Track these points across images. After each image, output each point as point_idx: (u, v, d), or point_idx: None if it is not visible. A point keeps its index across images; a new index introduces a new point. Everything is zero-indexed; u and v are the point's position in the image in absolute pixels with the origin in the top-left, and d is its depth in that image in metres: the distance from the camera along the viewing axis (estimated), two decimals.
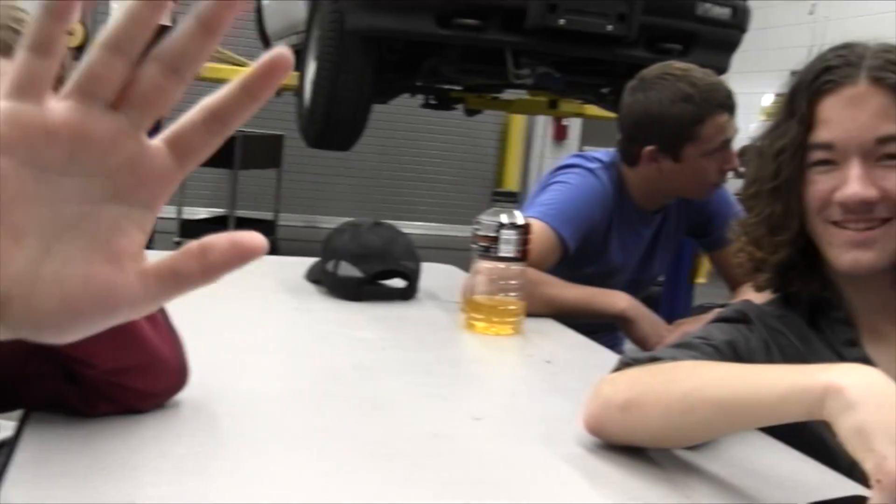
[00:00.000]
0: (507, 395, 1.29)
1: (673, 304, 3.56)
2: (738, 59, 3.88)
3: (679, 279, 4.09)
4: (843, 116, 1.06)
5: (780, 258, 1.14)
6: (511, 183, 7.94)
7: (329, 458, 0.93)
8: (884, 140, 1.05)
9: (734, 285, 1.94)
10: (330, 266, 1.75)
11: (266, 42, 5.63)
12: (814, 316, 1.15)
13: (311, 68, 3.94)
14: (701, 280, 4.49)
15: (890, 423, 0.77)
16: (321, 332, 1.52)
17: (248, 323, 1.52)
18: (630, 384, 1.00)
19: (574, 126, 8.07)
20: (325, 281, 1.77)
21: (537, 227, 1.76)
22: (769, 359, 1.10)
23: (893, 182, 1.05)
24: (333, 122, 3.83)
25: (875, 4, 5.51)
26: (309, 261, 1.88)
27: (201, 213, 6.67)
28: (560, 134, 8.19)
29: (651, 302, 1.94)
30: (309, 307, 1.66)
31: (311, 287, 1.80)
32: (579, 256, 1.85)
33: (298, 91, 4.17)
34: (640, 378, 1.00)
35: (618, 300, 1.76)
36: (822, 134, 1.07)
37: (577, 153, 2.03)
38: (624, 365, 1.05)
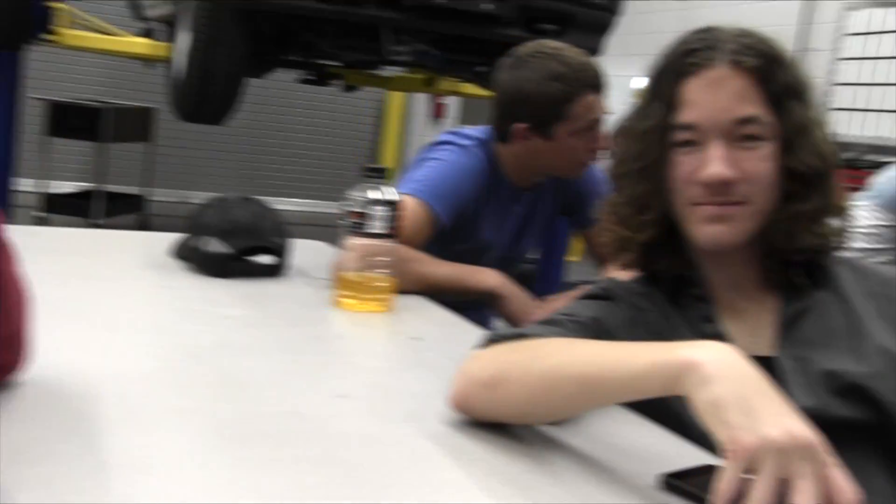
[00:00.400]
0: (374, 373, 1.27)
1: (547, 281, 3.62)
2: (613, 42, 3.95)
3: (553, 256, 4.16)
4: (704, 98, 1.09)
5: (646, 237, 1.17)
6: (389, 160, 7.92)
7: (185, 439, 0.90)
8: (742, 122, 1.08)
9: (603, 263, 1.97)
10: (197, 242, 1.70)
11: (137, 11, 5.43)
12: (675, 293, 1.18)
13: (184, 40, 3.82)
14: (575, 258, 4.58)
15: (742, 397, 0.80)
16: (185, 309, 1.47)
17: (108, 300, 1.46)
18: (495, 361, 1.01)
19: (453, 104, 8.10)
20: (192, 257, 1.72)
21: (411, 203, 1.75)
22: (632, 335, 1.12)
23: (751, 164, 1.08)
24: (206, 96, 3.72)
25: None
26: (176, 237, 1.82)
27: (67, 186, 6.41)
28: (439, 112, 8.21)
29: (525, 279, 1.96)
30: (173, 284, 1.61)
31: (176, 264, 1.74)
32: (451, 233, 1.85)
33: (170, 63, 4.03)
34: (506, 355, 1.01)
35: (488, 277, 1.77)
36: (685, 115, 1.10)
37: (451, 130, 2.03)
38: (490, 341, 1.05)
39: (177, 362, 1.17)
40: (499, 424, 1.00)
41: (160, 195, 6.71)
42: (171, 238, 1.81)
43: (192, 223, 1.75)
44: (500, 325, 1.85)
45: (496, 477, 0.90)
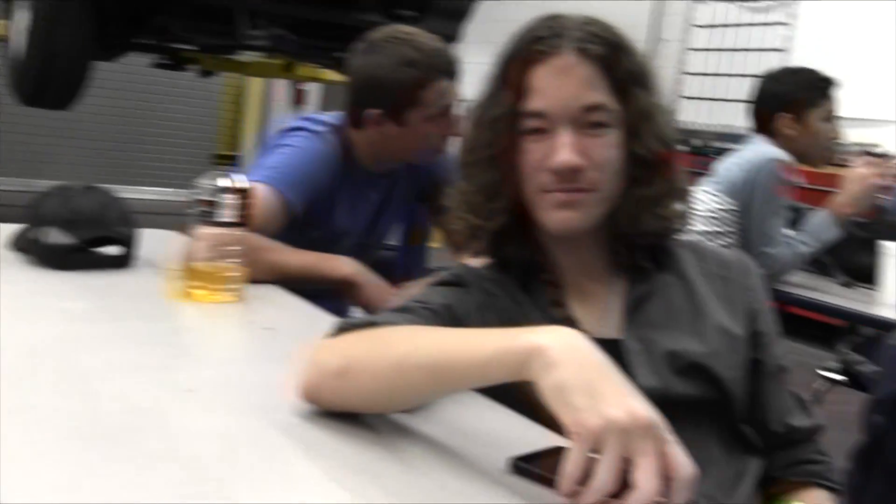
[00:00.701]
0: (223, 365, 1.24)
1: (408, 268, 3.61)
2: (472, 29, 3.98)
3: (414, 243, 4.15)
4: (552, 85, 1.10)
5: (496, 225, 1.17)
6: (248, 147, 7.76)
7: (22, 439, 0.85)
8: (589, 109, 1.09)
9: (458, 249, 1.98)
10: (37, 233, 1.62)
11: None
12: (526, 279, 1.19)
13: (24, 18, 3.63)
14: (437, 244, 4.60)
15: (586, 381, 0.81)
16: (23, 304, 1.39)
17: None
18: (345, 350, 0.99)
19: (314, 91, 8.00)
20: (32, 249, 1.63)
21: (263, 191, 1.72)
22: (484, 321, 1.13)
23: (598, 151, 1.10)
24: (48, 79, 3.55)
25: None
26: (12, 228, 1.72)
27: None
28: (299, 98, 8.10)
29: (384, 266, 1.95)
30: (9, 277, 1.52)
31: (14, 256, 1.65)
32: (304, 221, 1.82)
33: (7, 42, 3.83)
34: (356, 344, 1.00)
35: (342, 265, 1.75)
36: (533, 102, 1.10)
37: (304, 116, 2.00)
38: (341, 330, 1.04)
39: (14, 359, 1.11)
40: (350, 414, 0.99)
41: (4, 184, 6.38)
42: (9, 229, 1.72)
43: (31, 213, 1.67)
44: (357, 313, 1.83)
45: (348, 467, 0.89)
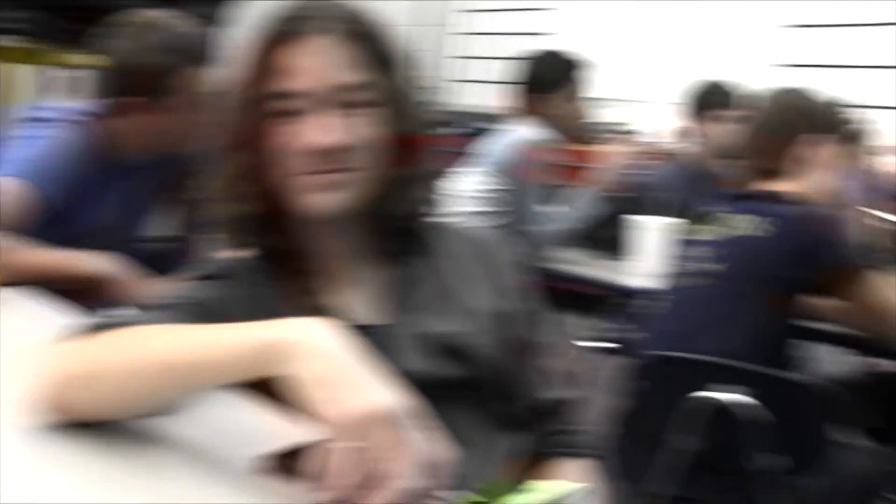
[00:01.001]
0: None
1: (175, 261, 3.50)
2: (240, 12, 3.87)
3: (188, 234, 4.02)
4: (307, 65, 1.07)
5: (251, 212, 1.13)
6: None
7: None
8: (346, 88, 1.07)
9: (229, 240, 1.93)
10: None
11: None
12: (285, 268, 1.16)
13: None
14: (205, 236, 4.45)
15: (329, 372, 0.80)
16: None
17: None
18: (91, 354, 0.94)
19: (68, 77, 7.57)
20: None
21: (15, 186, 1.61)
22: (243, 314, 1.07)
23: (356, 130, 1.08)
24: None
25: None
26: None
27: None
28: (52, 85, 7.64)
29: (154, 259, 1.87)
30: None
31: None
32: (59, 216, 1.71)
33: None
34: (102, 347, 0.94)
35: (95, 262, 1.67)
36: (287, 84, 1.07)
37: (55, 105, 1.87)
38: (87, 331, 0.97)
39: None
40: (94, 423, 0.92)
41: None
42: None
43: None
44: (108, 311, 1.74)
45: (94, 482, 0.84)
